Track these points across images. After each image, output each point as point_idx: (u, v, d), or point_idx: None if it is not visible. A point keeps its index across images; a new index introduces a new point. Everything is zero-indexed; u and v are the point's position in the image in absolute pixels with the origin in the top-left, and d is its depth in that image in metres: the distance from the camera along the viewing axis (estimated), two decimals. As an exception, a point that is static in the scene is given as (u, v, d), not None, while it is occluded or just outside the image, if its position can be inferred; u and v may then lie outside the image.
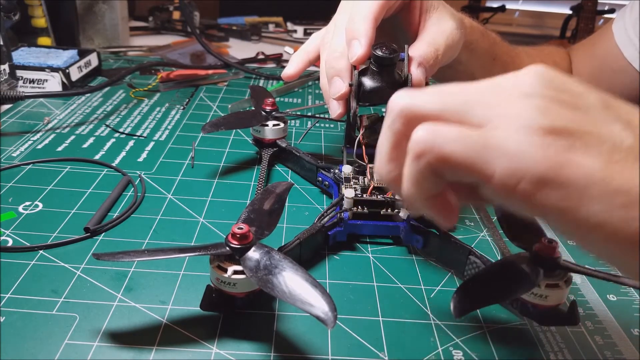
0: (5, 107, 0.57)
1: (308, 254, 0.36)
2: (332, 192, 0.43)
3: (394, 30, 0.45)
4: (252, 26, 1.01)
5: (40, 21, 0.71)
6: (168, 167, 0.47)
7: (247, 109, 0.63)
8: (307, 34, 1.02)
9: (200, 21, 0.98)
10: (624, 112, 0.21)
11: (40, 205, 0.40)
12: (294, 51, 0.88)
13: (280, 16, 1.09)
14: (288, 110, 0.63)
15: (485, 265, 0.33)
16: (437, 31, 0.40)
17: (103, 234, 0.37)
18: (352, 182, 0.40)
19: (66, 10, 0.74)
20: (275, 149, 0.48)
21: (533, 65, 0.23)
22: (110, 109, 0.59)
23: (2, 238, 0.36)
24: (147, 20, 1.00)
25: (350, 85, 0.37)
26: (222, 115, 0.58)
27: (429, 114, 0.22)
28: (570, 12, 1.80)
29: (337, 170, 0.43)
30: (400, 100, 0.23)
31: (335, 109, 0.40)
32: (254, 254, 0.29)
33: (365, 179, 0.40)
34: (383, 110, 0.62)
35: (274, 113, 0.48)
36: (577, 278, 0.36)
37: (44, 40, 0.72)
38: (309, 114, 0.63)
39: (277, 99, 0.67)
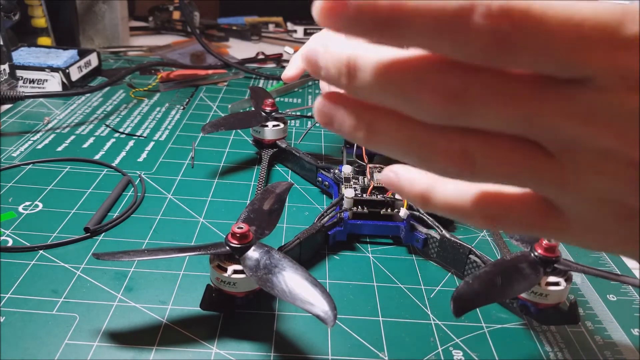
0: (5, 107, 0.57)
1: (308, 253, 0.36)
2: (332, 192, 0.43)
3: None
4: (252, 26, 1.01)
5: (40, 21, 0.71)
6: (168, 167, 0.47)
7: (247, 109, 0.63)
8: (307, 34, 1.02)
9: (200, 21, 0.98)
10: None
11: (40, 205, 0.40)
12: (294, 51, 0.89)
13: (280, 16, 1.09)
14: (288, 110, 0.63)
15: (486, 264, 0.33)
16: None
17: (103, 234, 0.37)
18: (352, 182, 0.40)
19: (66, 10, 0.74)
20: (275, 150, 0.48)
21: None
22: (110, 109, 0.59)
23: (2, 238, 0.36)
24: (147, 20, 1.00)
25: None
26: (222, 115, 0.58)
27: None
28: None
29: (337, 171, 0.43)
30: None
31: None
32: (253, 253, 0.29)
33: (365, 178, 0.40)
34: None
35: (273, 114, 0.48)
36: (577, 278, 0.36)
37: (44, 40, 0.72)
38: (309, 114, 0.63)
39: (277, 99, 0.67)
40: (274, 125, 0.47)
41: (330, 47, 0.16)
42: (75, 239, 0.36)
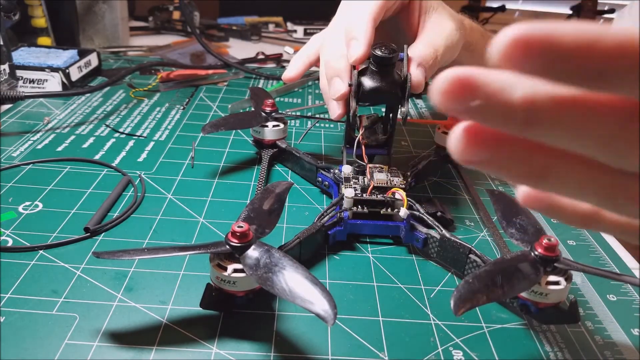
0: (5, 107, 0.57)
1: (308, 253, 0.36)
2: (332, 192, 0.43)
3: (394, 31, 0.45)
4: (252, 26, 1.01)
5: (40, 21, 0.71)
6: (168, 167, 0.47)
7: (247, 109, 0.63)
8: (307, 34, 1.02)
9: (200, 21, 0.98)
10: None
11: (40, 205, 0.40)
12: (294, 51, 0.89)
13: (280, 16, 1.09)
14: (288, 110, 0.63)
15: (486, 264, 0.33)
16: (437, 32, 0.40)
17: (103, 234, 0.37)
18: (352, 182, 0.40)
19: (66, 10, 0.74)
20: (275, 150, 0.48)
21: None
22: (110, 109, 0.59)
23: (2, 238, 0.36)
24: (147, 20, 1.00)
25: (350, 85, 0.37)
26: (222, 115, 0.58)
27: None
28: (570, 12, 1.80)
29: (337, 171, 0.43)
30: None
31: (335, 109, 0.40)
32: (253, 252, 0.29)
33: (365, 178, 0.40)
34: (382, 110, 0.62)
35: (273, 114, 0.48)
36: (577, 278, 0.36)
37: (44, 40, 0.72)
38: (309, 114, 0.63)
39: (277, 99, 0.67)
40: (274, 126, 0.47)
41: (491, 84, 0.14)
42: (75, 239, 0.36)
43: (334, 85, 0.38)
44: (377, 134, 0.43)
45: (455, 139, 0.16)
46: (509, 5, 1.94)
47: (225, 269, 0.29)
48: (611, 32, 0.12)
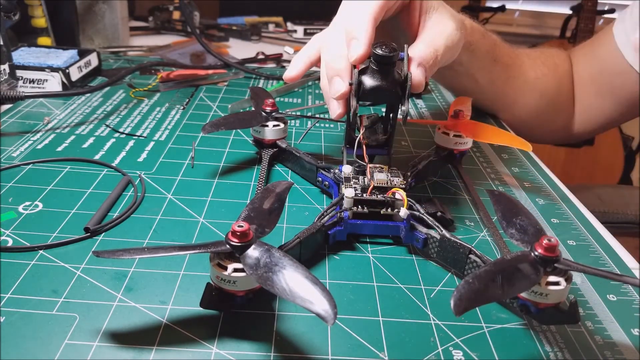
0: (5, 107, 0.57)
1: (308, 253, 0.36)
2: (332, 192, 0.43)
3: (394, 31, 0.45)
4: (252, 26, 1.01)
5: (40, 21, 0.71)
6: (168, 167, 0.47)
7: (247, 109, 0.63)
8: (307, 34, 1.02)
9: (200, 21, 0.98)
10: None
11: (40, 205, 0.40)
12: (294, 51, 0.89)
13: (280, 16, 1.09)
14: (288, 110, 0.64)
15: (486, 264, 0.33)
16: (437, 32, 0.40)
17: (103, 234, 0.37)
18: (352, 182, 0.40)
19: (66, 10, 0.74)
20: (275, 150, 0.48)
21: None
22: (110, 109, 0.59)
23: (2, 238, 0.36)
24: (147, 20, 1.00)
25: (350, 84, 0.37)
26: (222, 115, 0.58)
27: None
28: (570, 12, 1.80)
29: (337, 171, 0.43)
30: None
31: (335, 109, 0.40)
32: (254, 251, 0.29)
33: (366, 178, 0.40)
34: (383, 109, 0.62)
35: (274, 114, 0.48)
36: (577, 278, 0.36)
37: (44, 40, 0.72)
38: (309, 114, 0.63)
39: (277, 99, 0.67)
40: (274, 125, 0.47)
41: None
42: (75, 239, 0.36)
43: (334, 85, 0.38)
44: (377, 134, 0.43)
45: None
46: (509, 5, 1.94)
47: (226, 269, 0.29)
48: None
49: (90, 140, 0.51)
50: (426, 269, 0.37)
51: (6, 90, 0.53)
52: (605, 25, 1.82)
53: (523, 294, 0.30)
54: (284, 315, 0.31)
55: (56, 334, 0.29)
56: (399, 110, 0.38)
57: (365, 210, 0.38)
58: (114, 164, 0.47)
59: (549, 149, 1.55)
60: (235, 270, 0.29)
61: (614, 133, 1.60)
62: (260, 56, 0.84)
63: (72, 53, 0.65)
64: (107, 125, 0.55)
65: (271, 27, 1.06)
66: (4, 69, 0.55)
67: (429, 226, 0.37)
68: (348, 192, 0.38)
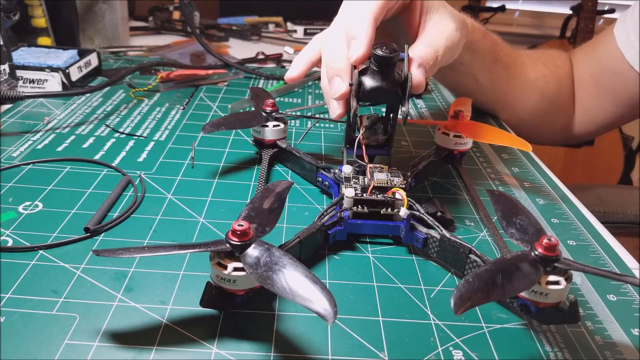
0: (5, 107, 0.57)
1: (308, 252, 0.36)
2: (332, 192, 0.43)
3: (395, 31, 0.45)
4: (252, 26, 1.01)
5: (40, 21, 0.71)
6: (168, 167, 0.47)
7: (247, 109, 0.63)
8: (307, 34, 1.02)
9: (200, 21, 0.98)
10: None
11: (40, 205, 0.40)
12: (294, 51, 0.89)
13: (280, 16, 1.09)
14: (288, 110, 0.64)
15: (486, 263, 0.33)
16: (437, 32, 0.40)
17: (103, 234, 0.37)
18: (352, 182, 0.40)
19: (66, 10, 0.74)
20: (275, 150, 0.48)
21: None
22: (110, 109, 0.59)
23: (2, 238, 0.36)
24: (147, 20, 1.00)
25: (351, 84, 0.37)
26: (222, 115, 0.58)
27: None
28: (570, 12, 1.80)
29: (337, 171, 0.43)
30: None
31: (335, 109, 0.40)
32: (254, 250, 0.29)
33: (366, 178, 0.40)
34: (383, 110, 0.62)
35: (274, 114, 0.48)
36: (577, 278, 0.36)
37: (44, 40, 0.72)
38: (309, 114, 0.64)
39: (277, 99, 0.67)
40: (274, 125, 0.47)
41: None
42: (75, 239, 0.36)
43: (334, 85, 0.39)
44: (378, 134, 0.43)
45: None
46: (509, 5, 1.94)
47: (226, 268, 0.29)
48: None
49: (90, 140, 0.51)
50: (426, 269, 0.37)
51: (6, 90, 0.53)
52: (605, 25, 1.83)
53: (523, 294, 0.30)
54: (284, 315, 0.31)
55: (56, 334, 0.29)
56: (399, 110, 0.38)
57: (365, 210, 0.38)
58: (114, 164, 0.47)
59: (549, 149, 1.55)
60: (235, 269, 0.29)
61: (614, 133, 1.60)
62: (260, 56, 0.84)
63: (72, 53, 0.65)
64: (107, 125, 0.55)
65: (271, 27, 1.06)
66: (4, 69, 0.55)
67: (429, 226, 0.37)
68: (348, 192, 0.38)
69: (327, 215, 0.37)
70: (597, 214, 0.46)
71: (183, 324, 0.30)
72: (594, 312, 0.34)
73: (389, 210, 0.38)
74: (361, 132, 0.42)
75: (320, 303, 0.25)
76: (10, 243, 0.35)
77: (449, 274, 0.36)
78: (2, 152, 0.47)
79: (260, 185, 0.43)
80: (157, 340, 0.29)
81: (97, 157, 0.48)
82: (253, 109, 0.52)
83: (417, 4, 0.41)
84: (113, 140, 0.52)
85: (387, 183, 0.39)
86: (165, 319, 0.30)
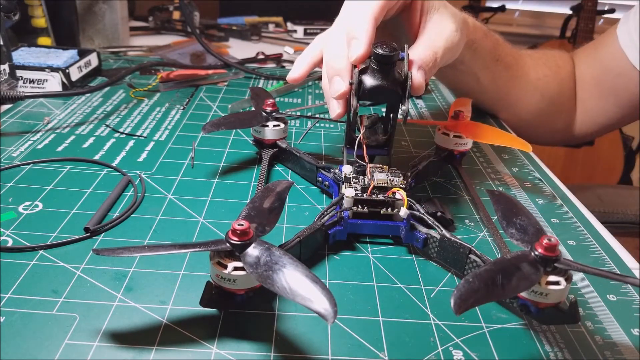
0: (5, 107, 0.57)
1: (308, 252, 0.36)
2: (332, 192, 0.43)
3: (396, 31, 0.45)
4: (252, 26, 1.01)
5: (40, 21, 0.71)
6: (168, 167, 0.47)
7: (248, 109, 0.63)
8: (307, 34, 1.02)
9: (200, 21, 0.98)
10: None
11: (40, 205, 0.40)
12: (294, 51, 0.89)
13: (280, 16, 1.09)
14: (288, 110, 0.64)
15: (486, 263, 0.33)
16: (436, 33, 0.40)
17: (103, 234, 0.37)
18: (352, 182, 0.40)
19: (66, 10, 0.74)
20: (275, 150, 0.48)
21: None
22: (110, 109, 0.59)
23: (2, 238, 0.36)
24: (147, 20, 1.00)
25: (351, 83, 0.37)
26: (222, 115, 0.58)
27: None
28: (570, 12, 1.80)
29: (337, 171, 0.43)
30: None
31: (335, 108, 0.40)
32: (254, 250, 0.29)
33: (366, 178, 0.40)
34: (383, 109, 0.62)
35: (274, 114, 0.48)
36: (577, 278, 0.36)
37: (44, 40, 0.72)
38: (309, 114, 0.64)
39: (277, 99, 0.67)
40: (274, 125, 0.47)
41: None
42: (75, 239, 0.36)
43: (334, 84, 0.39)
44: (378, 134, 0.43)
45: None
46: (509, 5, 1.95)
47: (226, 267, 0.29)
48: None
49: (90, 140, 0.51)
50: (426, 269, 0.37)
51: (6, 90, 0.53)
52: (605, 25, 1.83)
53: (523, 294, 0.30)
54: (284, 315, 0.31)
55: (56, 334, 0.29)
56: (399, 110, 0.38)
57: (366, 210, 0.38)
58: (114, 164, 0.47)
59: (548, 149, 1.55)
60: (236, 268, 0.29)
61: (614, 133, 1.60)
62: (260, 56, 0.84)
63: (72, 53, 0.65)
64: (107, 125, 0.55)
65: (271, 27, 1.06)
66: (4, 69, 0.55)
67: (429, 226, 0.37)
68: (348, 192, 0.38)
69: (327, 215, 0.37)
70: (597, 214, 0.46)
71: (183, 324, 0.30)
72: (594, 312, 0.34)
73: (389, 210, 0.38)
74: (361, 132, 0.42)
75: (320, 303, 0.25)
76: (10, 243, 0.35)
77: (449, 274, 0.36)
78: (2, 152, 0.47)
79: (260, 185, 0.43)
80: (157, 340, 0.29)
81: (97, 157, 0.48)
82: (253, 108, 0.52)
83: (417, 4, 0.41)
84: (113, 140, 0.52)
85: (387, 183, 0.39)
86: (165, 319, 0.30)
